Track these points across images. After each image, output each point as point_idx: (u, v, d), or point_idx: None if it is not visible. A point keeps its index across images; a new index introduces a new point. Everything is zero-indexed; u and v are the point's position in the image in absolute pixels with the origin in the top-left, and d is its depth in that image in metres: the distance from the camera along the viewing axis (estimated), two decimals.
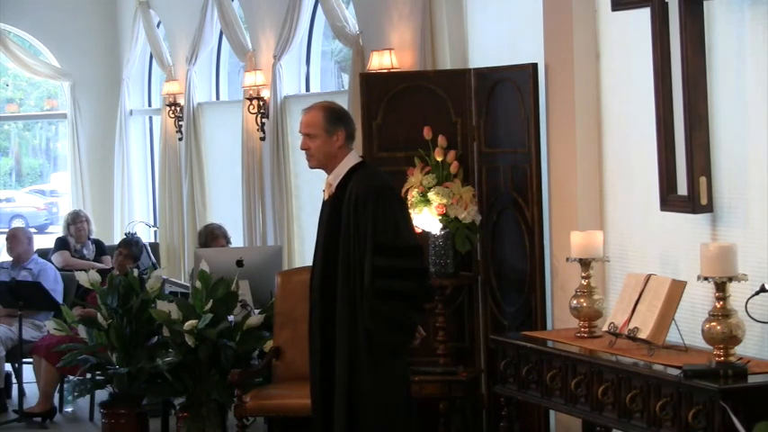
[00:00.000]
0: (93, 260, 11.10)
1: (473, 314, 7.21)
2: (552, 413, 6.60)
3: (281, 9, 9.82)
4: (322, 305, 5.24)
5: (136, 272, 8.19)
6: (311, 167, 5.38)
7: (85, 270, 8.17)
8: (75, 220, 11.31)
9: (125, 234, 11.36)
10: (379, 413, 5.15)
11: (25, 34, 14.02)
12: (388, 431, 5.18)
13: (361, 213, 5.10)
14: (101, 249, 11.30)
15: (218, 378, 7.29)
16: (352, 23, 8.92)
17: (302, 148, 5.35)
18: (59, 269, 9.89)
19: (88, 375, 8.15)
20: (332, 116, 5.26)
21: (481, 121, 7.08)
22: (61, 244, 11.17)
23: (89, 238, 11.29)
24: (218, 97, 12.27)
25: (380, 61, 8.05)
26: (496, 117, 7.00)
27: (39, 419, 8.63)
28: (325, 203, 5.31)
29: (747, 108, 5.31)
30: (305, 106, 5.49)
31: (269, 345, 7.31)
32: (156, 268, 8.89)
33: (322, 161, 5.29)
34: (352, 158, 5.28)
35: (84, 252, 11.15)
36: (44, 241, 12.75)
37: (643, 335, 5.21)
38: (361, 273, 5.10)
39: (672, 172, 5.52)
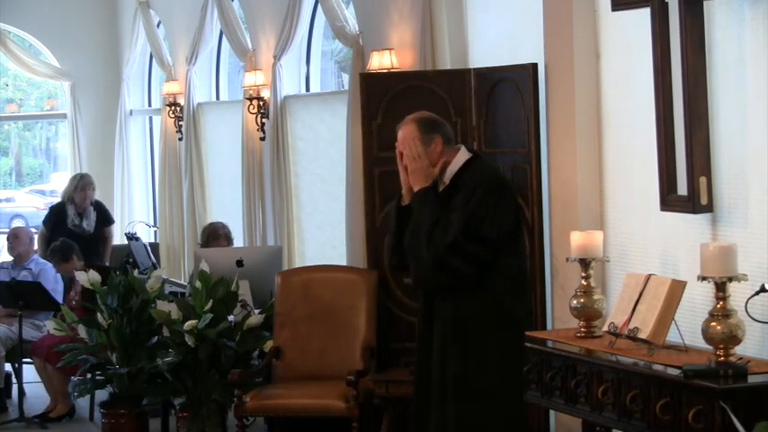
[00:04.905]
0: (95, 232, 10.87)
1: None
2: (552, 413, 6.60)
3: (281, 9, 9.82)
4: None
5: (136, 272, 8.19)
6: None
7: (85, 270, 8.16)
8: (86, 186, 10.93)
9: (125, 234, 11.33)
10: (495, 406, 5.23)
11: (25, 34, 14.03)
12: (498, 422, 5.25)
13: (471, 201, 5.18)
14: (103, 217, 11.04)
15: (218, 378, 7.29)
16: (352, 23, 8.91)
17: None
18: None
19: (88, 375, 8.14)
20: (424, 126, 5.30)
21: (481, 121, 7.08)
22: (55, 214, 10.89)
23: (90, 204, 10.97)
24: (218, 97, 12.27)
25: (380, 61, 8.04)
26: (496, 117, 7.00)
27: (37, 420, 8.63)
28: (437, 194, 5.35)
29: (747, 108, 5.31)
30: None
31: (269, 345, 7.31)
32: (156, 268, 8.89)
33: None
34: (463, 155, 5.34)
35: (84, 225, 10.86)
36: None
37: (643, 335, 5.20)
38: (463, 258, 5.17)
39: (672, 172, 5.52)
